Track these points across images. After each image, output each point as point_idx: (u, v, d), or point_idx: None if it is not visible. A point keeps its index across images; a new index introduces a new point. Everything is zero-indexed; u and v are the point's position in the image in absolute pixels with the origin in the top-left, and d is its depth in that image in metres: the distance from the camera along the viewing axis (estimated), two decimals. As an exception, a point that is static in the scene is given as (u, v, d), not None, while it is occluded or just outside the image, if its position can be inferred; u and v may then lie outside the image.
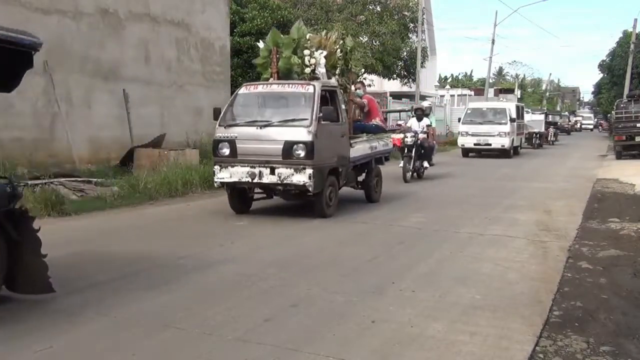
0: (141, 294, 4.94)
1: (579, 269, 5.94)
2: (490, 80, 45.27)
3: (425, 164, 14.44)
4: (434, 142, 15.66)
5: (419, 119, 14.55)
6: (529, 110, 32.89)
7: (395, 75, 29.35)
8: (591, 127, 65.84)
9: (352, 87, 10.34)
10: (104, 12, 13.19)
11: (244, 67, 20.90)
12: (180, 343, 3.89)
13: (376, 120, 10.86)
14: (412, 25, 28.31)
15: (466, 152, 22.92)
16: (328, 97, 8.82)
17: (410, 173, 13.73)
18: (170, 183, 10.70)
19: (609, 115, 36.92)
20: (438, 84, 50.23)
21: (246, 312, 4.48)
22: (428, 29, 36.22)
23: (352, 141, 9.37)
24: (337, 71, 9.54)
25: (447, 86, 52.60)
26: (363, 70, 25.49)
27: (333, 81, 9.26)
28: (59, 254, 6.25)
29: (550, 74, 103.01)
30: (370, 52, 25.46)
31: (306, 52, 8.98)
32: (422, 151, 14.14)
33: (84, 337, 3.98)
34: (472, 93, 47.01)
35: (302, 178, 8.04)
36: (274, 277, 5.46)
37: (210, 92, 16.65)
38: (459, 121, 24.25)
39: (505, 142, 21.86)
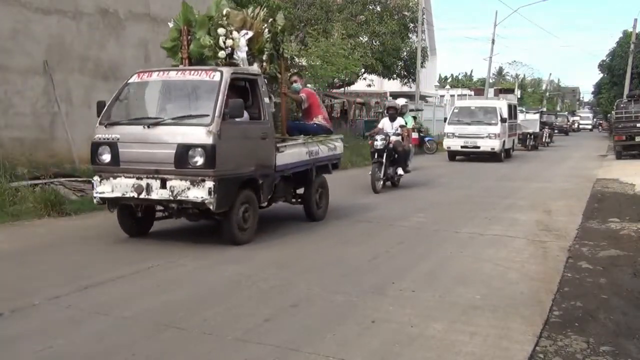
0: (141, 294, 4.94)
1: (579, 269, 5.94)
2: (490, 80, 45.26)
3: (400, 170, 12.44)
4: (410, 145, 13.80)
5: (392, 119, 12.57)
6: (523, 109, 31.09)
7: (395, 75, 29.37)
8: (590, 127, 64.02)
9: (292, 78, 8.85)
10: (104, 12, 13.18)
11: (244, 67, 20.90)
12: (180, 343, 3.89)
13: (318, 119, 8.83)
14: (412, 25, 28.32)
15: (453, 155, 20.66)
16: (248, 89, 7.30)
17: (382, 181, 11.88)
18: (170, 183, 10.67)
19: (609, 115, 36.85)
20: (438, 84, 50.24)
21: (246, 312, 4.48)
22: (428, 29, 36.23)
23: (280, 145, 7.48)
24: (265, 57, 7.67)
25: (447, 86, 52.63)
26: (363, 70, 25.35)
27: (254, 68, 7.41)
28: (58, 254, 6.27)
29: (550, 74, 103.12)
30: (370, 52, 25.47)
31: (221, 31, 7.18)
32: (396, 156, 12.15)
33: (84, 337, 3.98)
34: (472, 93, 46.98)
35: (200, 193, 6.23)
36: (274, 277, 5.46)
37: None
38: (444, 121, 21.86)
39: (495, 144, 19.69)
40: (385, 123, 12.59)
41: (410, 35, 28.69)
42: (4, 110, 10.98)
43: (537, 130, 27.93)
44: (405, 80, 30.20)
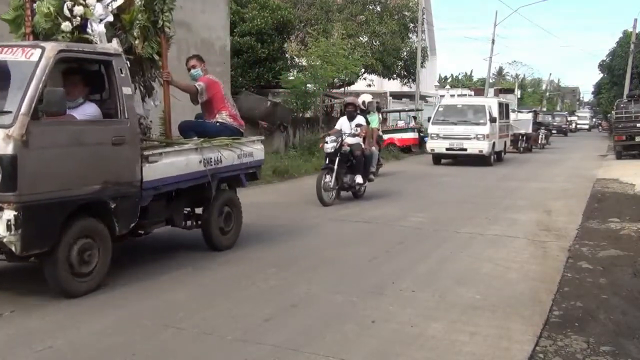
0: (141, 294, 4.94)
1: (579, 269, 5.94)
2: (490, 80, 45.26)
3: (359, 179, 10.21)
4: (374, 148, 11.85)
5: (350, 118, 10.42)
6: (514, 108, 28.43)
7: (395, 75, 29.36)
8: (587, 127, 61.39)
9: (190, 63, 7.19)
10: (104, 12, 13.16)
11: (244, 67, 20.91)
12: (180, 343, 3.89)
13: (222, 116, 6.90)
14: (412, 25, 28.32)
15: (438, 158, 18.69)
16: (104, 74, 5.37)
17: (334, 192, 9.99)
18: (170, 183, 10.67)
19: (609, 115, 36.81)
20: (438, 84, 50.23)
21: (246, 312, 4.48)
22: (428, 29, 36.23)
23: (150, 152, 5.49)
24: (136, 32, 5.67)
25: (447, 86, 52.61)
26: (363, 70, 25.29)
27: (112, 45, 5.31)
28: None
29: (550, 74, 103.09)
30: (370, 52, 25.48)
31: None
32: (353, 161, 10.12)
33: (84, 337, 3.98)
34: (472, 93, 46.97)
35: None
36: (274, 277, 5.46)
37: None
38: (428, 121, 19.87)
39: (483, 146, 17.74)
40: (342, 123, 10.56)
41: (410, 35, 28.69)
42: (4, 110, 10.97)
43: (530, 131, 25.64)
44: (405, 80, 30.19)
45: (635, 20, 36.32)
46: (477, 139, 17.75)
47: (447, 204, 10.41)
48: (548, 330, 4.21)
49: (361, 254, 6.45)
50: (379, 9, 27.62)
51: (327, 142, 10.02)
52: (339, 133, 10.26)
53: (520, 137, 24.67)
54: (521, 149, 24.62)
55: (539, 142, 27.66)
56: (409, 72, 29.19)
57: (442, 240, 7.24)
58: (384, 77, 30.02)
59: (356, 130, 10.22)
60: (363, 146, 10.45)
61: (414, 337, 4.03)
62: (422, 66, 28.36)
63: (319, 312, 4.54)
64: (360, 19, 26.57)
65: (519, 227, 8.08)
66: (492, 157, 18.53)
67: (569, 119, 52.42)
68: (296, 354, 3.73)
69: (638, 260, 6.24)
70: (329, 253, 6.54)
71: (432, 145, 18.60)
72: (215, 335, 4.01)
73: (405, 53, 28.57)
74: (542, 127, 28.91)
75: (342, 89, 28.74)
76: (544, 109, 36.39)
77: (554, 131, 41.34)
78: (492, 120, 18.37)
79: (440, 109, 19.51)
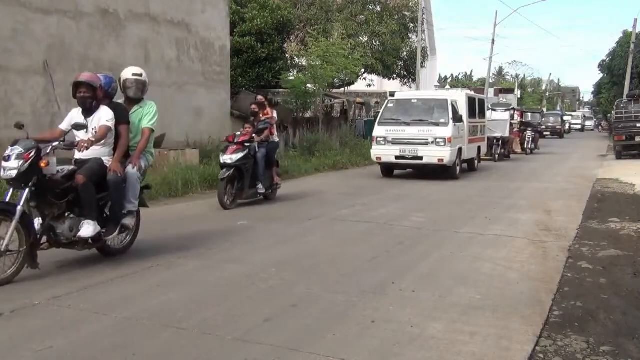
0: (141, 293, 4.94)
1: (579, 269, 5.94)
2: (490, 80, 45.28)
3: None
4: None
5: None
6: (488, 106, 23.00)
7: (395, 75, 29.40)
8: (579, 127, 58.25)
9: None
10: (104, 12, 13.18)
11: (244, 67, 20.92)
12: (180, 343, 3.89)
13: None
14: (412, 25, 28.35)
15: (388, 169, 14.76)
16: None
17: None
18: (170, 183, 10.70)
19: (609, 115, 36.77)
20: (438, 84, 50.31)
21: (246, 312, 4.48)
22: (428, 29, 36.24)
23: None
24: None
25: (447, 86, 52.60)
26: (363, 70, 25.31)
27: None
28: (58, 254, 6.26)
29: (550, 74, 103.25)
30: (370, 52, 25.49)
31: None
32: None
33: (84, 337, 3.98)
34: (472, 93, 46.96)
35: None
36: (274, 277, 5.46)
37: (210, 92, 16.65)
38: (375, 121, 15.86)
39: (444, 153, 13.59)
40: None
41: (410, 35, 28.73)
42: (4, 110, 10.98)
43: (507, 134, 21.27)
44: (405, 80, 30.23)
45: (635, 20, 36.40)
46: (436, 144, 13.68)
47: (447, 204, 10.42)
48: (548, 330, 4.20)
49: (361, 254, 6.45)
50: (379, 9, 27.65)
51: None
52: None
53: (495, 142, 20.33)
54: (496, 156, 20.33)
55: (527, 146, 24.16)
56: (409, 72, 29.23)
57: (442, 240, 7.24)
58: (384, 77, 30.07)
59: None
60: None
61: (414, 337, 4.03)
62: (422, 66, 28.41)
63: (319, 312, 4.54)
64: (360, 19, 26.59)
65: (519, 227, 8.08)
66: (459, 167, 14.54)
67: (564, 119, 47.94)
68: (296, 354, 3.73)
69: (638, 260, 6.23)
70: (329, 253, 6.54)
71: (377, 152, 14.33)
72: (215, 335, 4.01)
73: (405, 53, 28.61)
74: (529, 129, 24.93)
75: (342, 89, 28.75)
76: (515, 106, 30.20)
77: (546, 133, 38.81)
78: (457, 119, 14.37)
79: (390, 105, 15.13)
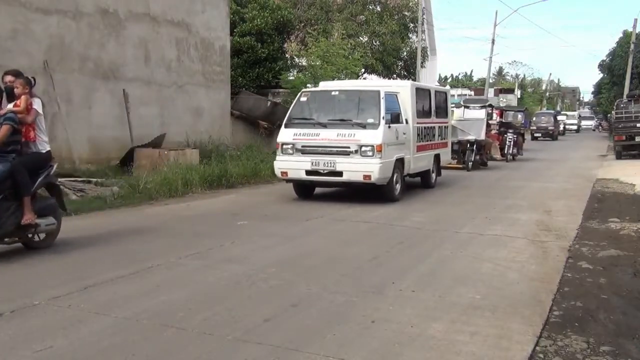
0: (141, 294, 4.94)
1: (579, 269, 5.94)
2: (490, 80, 45.29)
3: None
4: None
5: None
6: (462, 102, 20.27)
7: (395, 75, 29.40)
8: (575, 127, 54.28)
9: None
10: (104, 12, 13.19)
11: (244, 67, 20.93)
12: (180, 343, 3.89)
13: None
14: (412, 25, 28.36)
15: (305, 187, 10.78)
16: None
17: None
18: (170, 183, 10.70)
19: (609, 115, 36.74)
20: (438, 84, 50.27)
21: (246, 312, 4.48)
22: (428, 29, 36.25)
23: None
24: None
25: (447, 86, 52.64)
26: (363, 70, 25.33)
27: None
28: (58, 254, 6.26)
29: (550, 74, 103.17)
30: (370, 52, 25.49)
31: None
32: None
33: (84, 337, 3.98)
34: (472, 93, 46.98)
35: None
36: (274, 277, 5.46)
37: (210, 92, 16.66)
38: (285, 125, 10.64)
39: (371, 167, 9.73)
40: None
41: (410, 35, 28.75)
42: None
43: (482, 136, 17.13)
44: (405, 80, 30.26)
45: (635, 20, 36.45)
46: (361, 154, 9.78)
47: (446, 204, 10.41)
48: (548, 330, 4.20)
49: (361, 254, 6.45)
50: (379, 9, 27.66)
51: None
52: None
53: (468, 146, 16.66)
54: (469, 164, 16.47)
55: (507, 151, 20.33)
56: (409, 72, 29.25)
57: (442, 240, 7.24)
58: (384, 77, 30.04)
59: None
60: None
61: (414, 337, 4.03)
62: (422, 66, 28.43)
63: (319, 312, 4.54)
64: (360, 19, 26.60)
65: (519, 227, 8.08)
66: (398, 185, 10.51)
67: (557, 118, 42.47)
68: (296, 354, 3.73)
69: (638, 260, 6.23)
70: (329, 253, 6.54)
71: (282, 164, 10.31)
72: (215, 335, 4.01)
73: (405, 53, 28.63)
74: (510, 130, 20.91)
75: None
76: (491, 103, 25.02)
77: (537, 134, 37.13)
78: (394, 119, 10.34)
79: (303, 98, 10.91)
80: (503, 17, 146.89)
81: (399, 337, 4.03)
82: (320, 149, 10.03)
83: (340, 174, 9.90)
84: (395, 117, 10.37)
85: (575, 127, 54.39)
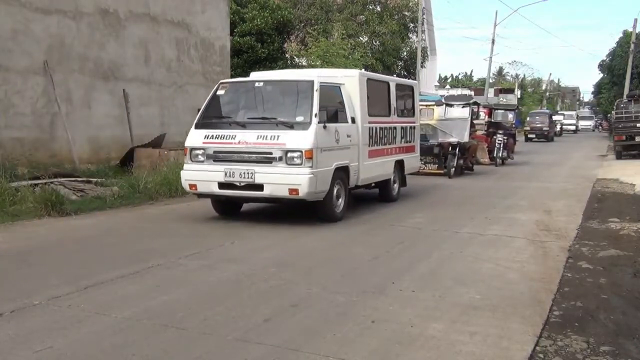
0: (141, 294, 4.94)
1: (579, 269, 5.94)
2: (490, 80, 45.28)
3: None
4: None
5: None
6: (443, 100, 16.98)
7: (395, 75, 29.42)
8: (573, 127, 52.15)
9: None
10: (104, 12, 13.19)
11: (244, 67, 20.92)
12: (180, 343, 3.89)
13: None
14: (412, 25, 28.36)
15: (223, 203, 8.80)
16: None
17: None
18: (170, 183, 10.70)
19: (609, 115, 36.71)
20: (438, 84, 50.30)
21: (246, 312, 4.48)
22: (428, 29, 36.25)
23: None
24: None
25: (447, 86, 52.62)
26: (363, 70, 25.52)
27: None
28: (58, 254, 6.26)
29: (550, 74, 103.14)
30: (370, 52, 25.49)
31: None
32: None
33: (84, 337, 3.98)
34: (472, 93, 46.94)
35: None
36: (274, 277, 5.46)
37: (210, 92, 16.65)
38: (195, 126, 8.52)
39: (299, 179, 7.69)
40: None
41: (410, 35, 28.75)
42: (4, 110, 10.99)
43: (465, 138, 15.07)
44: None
45: (635, 20, 36.43)
46: (287, 162, 7.80)
47: (446, 204, 10.41)
48: (548, 330, 4.20)
49: (361, 254, 6.45)
50: (379, 9, 27.66)
51: None
52: None
53: (449, 150, 14.66)
54: (451, 169, 14.38)
55: (496, 154, 18.40)
56: (409, 72, 29.25)
57: (442, 240, 7.24)
58: (383, 77, 30.07)
59: None
60: None
61: (414, 337, 4.03)
62: (422, 66, 28.42)
63: (319, 312, 4.54)
64: (360, 19, 26.59)
65: (519, 227, 8.08)
66: (341, 200, 8.44)
67: (553, 118, 39.78)
68: (296, 354, 3.73)
69: (638, 260, 6.23)
70: (329, 253, 6.54)
71: (191, 175, 8.33)
72: (215, 335, 4.01)
73: (405, 53, 28.63)
74: (500, 131, 19.04)
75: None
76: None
77: (531, 135, 35.33)
78: (331, 117, 8.22)
79: (220, 91, 8.89)
80: (503, 17, 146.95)
81: (399, 337, 4.03)
82: (237, 155, 7.98)
83: (260, 187, 7.82)
84: (333, 115, 8.23)
85: (573, 128, 52.37)
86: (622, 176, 14.48)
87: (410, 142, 11.17)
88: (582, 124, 57.74)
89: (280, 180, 7.77)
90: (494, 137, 18.69)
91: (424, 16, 29.32)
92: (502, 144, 18.58)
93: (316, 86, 8.13)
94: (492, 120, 20.67)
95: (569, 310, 4.65)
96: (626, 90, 32.33)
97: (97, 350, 3.77)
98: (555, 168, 17.87)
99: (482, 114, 20.45)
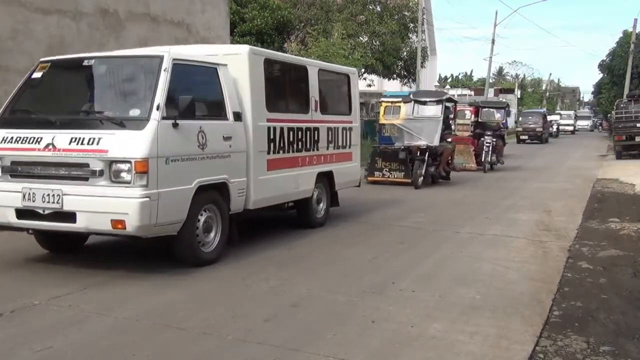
0: (141, 294, 4.94)
1: (579, 269, 5.94)
2: (490, 80, 45.29)
3: None
4: None
5: None
6: (412, 96, 13.83)
7: (395, 75, 29.39)
8: (570, 128, 49.81)
9: None
10: (104, 12, 13.19)
11: (244, 67, 20.90)
12: (180, 343, 3.89)
13: None
14: (412, 25, 28.33)
15: (50, 238, 6.09)
16: None
17: None
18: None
19: (609, 115, 36.69)
20: (438, 84, 50.31)
21: (246, 312, 4.48)
22: (428, 29, 36.22)
23: None
24: None
25: (447, 86, 52.63)
26: (363, 70, 25.30)
27: None
28: (58, 254, 6.25)
29: (550, 74, 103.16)
30: (370, 52, 25.47)
31: None
32: None
33: (84, 337, 3.98)
34: (472, 93, 46.94)
35: None
36: (274, 277, 5.46)
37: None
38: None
39: (126, 205, 4.99)
40: None
41: (410, 35, 28.70)
42: (4, 110, 10.98)
43: (436, 142, 12.63)
44: (405, 80, 30.22)
45: (635, 20, 36.39)
46: (111, 180, 5.16)
47: (447, 204, 10.41)
48: (548, 330, 4.20)
49: (361, 254, 6.45)
50: (379, 9, 27.62)
51: None
52: None
53: (417, 156, 12.54)
54: (419, 178, 12.36)
55: (484, 159, 16.31)
56: (409, 72, 29.22)
57: (442, 240, 7.24)
58: (384, 77, 30.06)
59: None
60: None
61: (414, 337, 4.03)
62: (422, 66, 28.39)
63: (319, 312, 4.54)
64: (360, 19, 26.56)
65: (519, 227, 8.08)
66: (212, 235, 5.97)
67: (548, 118, 37.00)
68: (296, 354, 3.73)
69: (638, 260, 6.24)
70: (329, 253, 6.54)
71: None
72: (215, 335, 4.01)
73: (405, 53, 28.59)
74: (488, 133, 16.78)
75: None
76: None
77: (524, 137, 33.16)
78: (189, 110, 5.43)
79: (37, 74, 6.01)
80: (503, 17, 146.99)
81: (399, 337, 4.03)
82: (40, 168, 5.45)
83: (71, 216, 5.25)
84: (194, 108, 5.49)
85: (570, 128, 49.69)
86: (622, 176, 14.48)
87: (344, 147, 8.54)
88: (580, 124, 55.76)
89: (98, 207, 5.13)
90: (482, 139, 16.68)
91: (424, 16, 29.29)
92: (490, 147, 16.41)
93: (165, 65, 5.47)
94: (479, 120, 18.74)
95: (569, 310, 4.65)
96: (626, 90, 32.31)
97: (97, 350, 3.77)
98: (549, 174, 15.78)
99: (468, 113, 18.98)
